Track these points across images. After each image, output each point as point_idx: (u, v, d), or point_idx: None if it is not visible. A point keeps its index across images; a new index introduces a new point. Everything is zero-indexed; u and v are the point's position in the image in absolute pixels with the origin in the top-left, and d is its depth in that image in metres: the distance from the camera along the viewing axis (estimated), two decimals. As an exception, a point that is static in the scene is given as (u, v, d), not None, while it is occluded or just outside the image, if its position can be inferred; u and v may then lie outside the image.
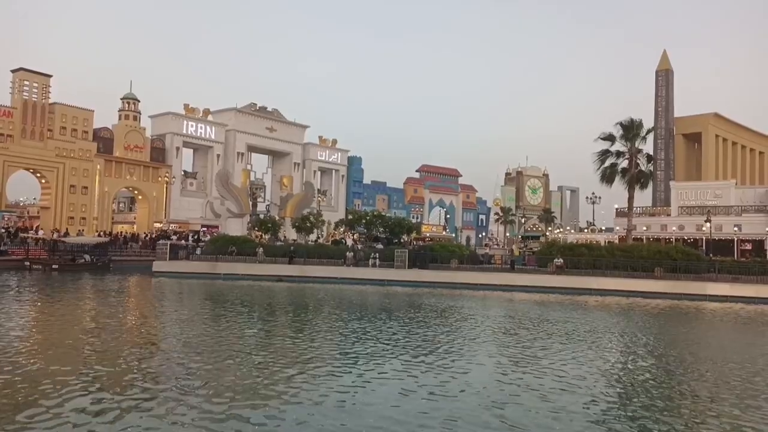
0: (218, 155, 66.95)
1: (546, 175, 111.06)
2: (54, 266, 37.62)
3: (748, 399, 10.44)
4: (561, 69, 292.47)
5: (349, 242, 49.34)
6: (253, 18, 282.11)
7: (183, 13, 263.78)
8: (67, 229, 49.19)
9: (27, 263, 38.07)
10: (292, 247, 42.87)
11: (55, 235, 43.78)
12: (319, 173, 79.79)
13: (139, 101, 59.54)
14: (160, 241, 43.27)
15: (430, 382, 10.96)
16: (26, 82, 50.98)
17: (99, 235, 47.73)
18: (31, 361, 11.65)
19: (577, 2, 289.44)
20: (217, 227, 61.23)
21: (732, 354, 15.41)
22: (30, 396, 9.13)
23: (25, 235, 43.31)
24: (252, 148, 72.21)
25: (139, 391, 9.61)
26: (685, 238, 58.19)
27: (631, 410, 9.64)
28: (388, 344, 14.88)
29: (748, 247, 56.38)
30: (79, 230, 50.33)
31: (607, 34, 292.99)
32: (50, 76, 52.65)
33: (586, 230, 79.94)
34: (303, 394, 9.86)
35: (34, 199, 66.67)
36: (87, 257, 40.32)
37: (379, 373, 11.59)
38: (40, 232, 45.33)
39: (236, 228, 60.93)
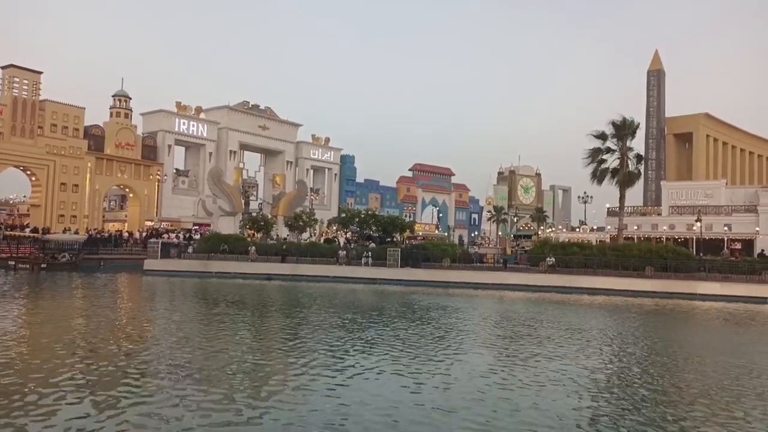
0: (210, 153, 66.70)
1: (538, 175, 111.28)
2: (42, 265, 37.08)
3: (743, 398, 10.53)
4: (554, 69, 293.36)
5: (342, 241, 49.27)
6: (250, 17, 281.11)
7: (178, 12, 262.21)
8: (75, 228, 48.80)
9: (11, 262, 36.96)
10: (284, 246, 42.78)
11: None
12: (311, 171, 79.66)
13: (130, 98, 59.23)
14: (151, 240, 43.03)
15: (419, 382, 10.98)
16: (16, 79, 50.55)
17: (88, 233, 47.35)
18: (23, 360, 11.59)
19: (573, 3, 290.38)
20: (209, 225, 60.99)
21: (724, 353, 15.52)
22: (20, 394, 9.08)
23: (12, 232, 42.43)
24: (244, 147, 71.98)
25: (130, 390, 9.57)
26: (676, 237, 58.52)
27: (618, 410, 9.69)
28: (375, 344, 14.89)
29: (738, 246, 56.76)
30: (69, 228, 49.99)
31: (600, 35, 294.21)
32: (40, 72, 52.26)
33: (577, 229, 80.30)
34: (294, 391, 9.85)
35: (24, 196, 66.22)
36: (67, 255, 39.65)
37: (365, 371, 11.61)
38: (57, 232, 44.38)
39: (228, 226, 60.70)
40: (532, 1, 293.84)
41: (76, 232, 46.95)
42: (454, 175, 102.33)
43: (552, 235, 72.34)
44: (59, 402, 8.83)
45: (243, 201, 66.82)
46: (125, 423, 8.00)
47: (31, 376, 10.33)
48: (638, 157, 45.00)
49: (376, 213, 57.40)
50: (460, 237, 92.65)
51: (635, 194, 68.51)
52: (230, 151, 68.91)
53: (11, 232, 42.24)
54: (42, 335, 14.90)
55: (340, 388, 10.22)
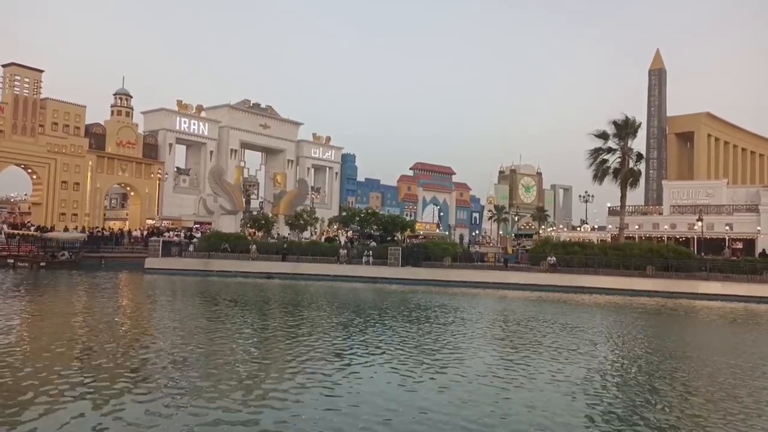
0: (211, 152, 66.67)
1: (539, 174, 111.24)
2: (41, 263, 36.91)
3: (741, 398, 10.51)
4: (554, 69, 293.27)
5: (343, 240, 49.26)
6: (250, 17, 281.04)
7: (178, 12, 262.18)
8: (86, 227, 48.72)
9: (11, 261, 36.59)
10: (285, 245, 42.77)
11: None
12: (312, 170, 79.63)
13: (131, 97, 59.22)
14: (153, 238, 43.03)
15: (418, 382, 10.96)
16: (17, 77, 50.55)
17: (89, 232, 47.30)
18: (23, 359, 11.60)
19: (573, 3, 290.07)
20: (210, 224, 61.01)
21: (723, 353, 15.49)
22: (23, 393, 9.07)
23: (17, 231, 42.21)
24: (245, 145, 71.97)
25: (126, 388, 9.56)
26: (677, 236, 58.46)
27: (615, 411, 9.67)
28: (373, 343, 14.88)
29: (740, 246, 56.72)
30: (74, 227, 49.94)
31: (600, 35, 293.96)
32: (42, 71, 52.26)
33: (578, 228, 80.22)
34: (288, 391, 9.84)
35: (26, 195, 66.22)
36: (67, 254, 39.48)
37: (365, 368, 11.60)
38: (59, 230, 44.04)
39: (229, 225, 60.76)
40: (532, 1, 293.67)
41: (83, 230, 46.92)
42: (455, 174, 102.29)
43: (553, 234, 72.33)
44: (56, 400, 8.82)
45: (244, 200, 66.89)
46: (120, 421, 7.99)
47: (23, 374, 10.32)
48: (639, 157, 44.92)
49: (377, 212, 57.39)
50: (461, 236, 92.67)
51: (636, 193, 68.39)
52: (231, 150, 68.88)
53: (15, 231, 41.93)
54: (38, 334, 14.88)
55: (334, 388, 10.17)
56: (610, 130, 43.12)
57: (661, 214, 64.86)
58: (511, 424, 8.54)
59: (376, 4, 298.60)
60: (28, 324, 16.55)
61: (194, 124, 65.00)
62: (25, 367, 10.77)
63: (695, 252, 46.48)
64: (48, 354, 12.15)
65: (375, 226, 50.85)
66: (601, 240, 55.81)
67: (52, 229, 45.60)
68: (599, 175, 43.52)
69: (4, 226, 44.47)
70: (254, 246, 40.91)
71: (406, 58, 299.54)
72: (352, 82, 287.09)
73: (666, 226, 61.65)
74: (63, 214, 52.39)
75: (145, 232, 50.28)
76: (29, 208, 57.17)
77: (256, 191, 72.70)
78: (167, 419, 8.13)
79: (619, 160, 43.39)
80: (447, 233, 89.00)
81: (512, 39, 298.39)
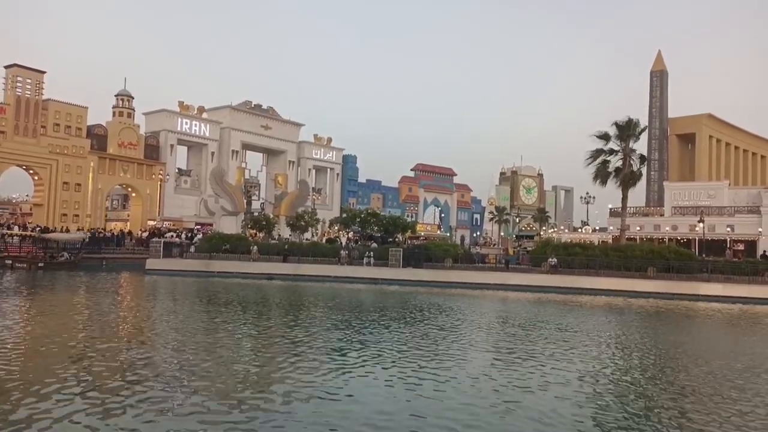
0: (213, 153, 66.73)
1: (540, 175, 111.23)
2: (40, 264, 36.84)
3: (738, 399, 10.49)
4: (554, 69, 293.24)
5: (344, 241, 49.27)
6: (250, 17, 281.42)
7: (178, 12, 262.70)
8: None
9: (9, 261, 36.44)
10: (286, 246, 42.78)
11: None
12: (313, 171, 79.66)
13: (133, 98, 59.28)
14: (154, 239, 43.04)
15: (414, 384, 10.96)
16: (19, 78, 50.63)
17: (90, 233, 47.27)
18: (25, 360, 11.61)
19: (573, 3, 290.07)
20: (211, 225, 61.03)
21: (723, 355, 15.47)
22: (23, 394, 9.08)
23: (9, 231, 41.95)
24: (247, 146, 72.03)
25: (131, 390, 9.56)
26: (678, 238, 58.42)
27: (615, 413, 9.66)
28: (372, 345, 14.87)
29: (741, 247, 56.66)
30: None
31: (600, 35, 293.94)
32: (44, 72, 52.35)
33: (580, 230, 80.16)
34: (283, 392, 9.84)
35: (27, 195, 66.32)
36: (66, 254, 39.41)
37: (365, 372, 11.60)
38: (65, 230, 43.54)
39: (230, 226, 60.71)
40: (532, 1, 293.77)
41: (88, 231, 46.97)
42: (456, 175, 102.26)
43: (554, 235, 72.29)
44: (51, 401, 8.83)
45: (245, 201, 66.88)
46: (116, 422, 8.00)
47: (15, 375, 10.34)
48: (641, 158, 44.86)
49: (378, 213, 57.42)
50: (462, 237, 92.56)
51: (638, 195, 68.54)
52: (232, 151, 68.95)
53: (13, 232, 41.79)
54: (31, 335, 14.88)
55: (330, 391, 10.13)
56: (612, 131, 43.06)
57: (662, 215, 64.82)
58: (509, 426, 8.53)
59: (376, 4, 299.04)
60: (21, 325, 16.55)
61: (195, 125, 65.06)
62: (19, 368, 10.77)
63: (696, 253, 46.43)
64: (40, 355, 12.15)
65: (376, 228, 50.87)
66: (602, 241, 55.82)
67: (63, 230, 45.49)
68: (600, 176, 43.46)
69: (15, 228, 44.50)
70: (255, 247, 40.92)
71: (406, 58, 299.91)
72: (352, 82, 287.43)
73: (667, 228, 61.59)
74: (64, 215, 52.44)
75: (147, 233, 50.31)
76: (31, 209, 57.24)
77: (257, 192, 72.70)
78: (164, 420, 8.14)
79: (620, 161, 43.31)
80: (448, 234, 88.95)
81: (512, 39, 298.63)
